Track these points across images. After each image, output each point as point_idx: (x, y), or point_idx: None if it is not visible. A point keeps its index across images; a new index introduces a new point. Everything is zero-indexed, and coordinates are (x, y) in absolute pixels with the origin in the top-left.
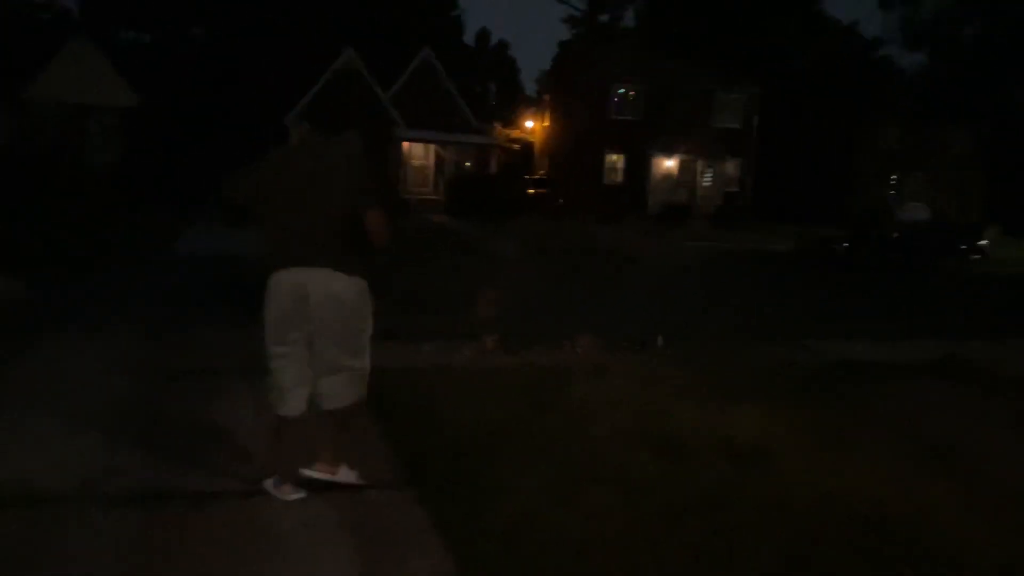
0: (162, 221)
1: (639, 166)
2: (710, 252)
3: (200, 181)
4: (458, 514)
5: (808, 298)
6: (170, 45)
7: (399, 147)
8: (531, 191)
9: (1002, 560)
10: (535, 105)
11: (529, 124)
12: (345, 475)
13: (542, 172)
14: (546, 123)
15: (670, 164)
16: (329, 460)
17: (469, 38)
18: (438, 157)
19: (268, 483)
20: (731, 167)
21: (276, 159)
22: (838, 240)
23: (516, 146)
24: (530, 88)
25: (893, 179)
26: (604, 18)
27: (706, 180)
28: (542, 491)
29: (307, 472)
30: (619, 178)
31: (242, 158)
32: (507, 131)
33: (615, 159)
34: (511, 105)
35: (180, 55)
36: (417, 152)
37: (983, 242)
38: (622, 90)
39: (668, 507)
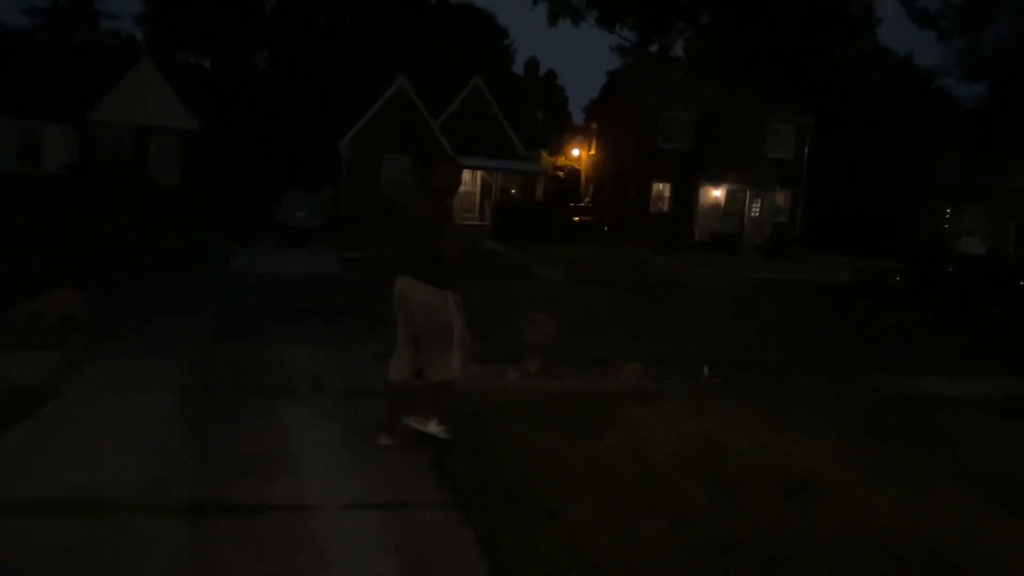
0: (217, 240)
1: (686, 195)
2: (760, 282)
3: (256, 203)
4: (505, 537)
5: (863, 331)
6: (230, 70)
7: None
8: (577, 218)
9: None
10: (582, 133)
11: (576, 152)
12: (434, 428)
13: (588, 200)
14: (592, 151)
15: (718, 193)
16: (424, 415)
17: (519, 67)
18: (484, 183)
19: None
20: (781, 197)
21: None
22: (893, 273)
23: (562, 173)
24: (578, 116)
25: (948, 213)
26: (654, 47)
27: (755, 210)
28: (590, 517)
29: (406, 421)
30: (665, 207)
31: (297, 182)
32: (554, 159)
33: (662, 188)
34: (559, 133)
35: (239, 80)
36: (464, 178)
37: None
38: (670, 118)
39: (718, 538)
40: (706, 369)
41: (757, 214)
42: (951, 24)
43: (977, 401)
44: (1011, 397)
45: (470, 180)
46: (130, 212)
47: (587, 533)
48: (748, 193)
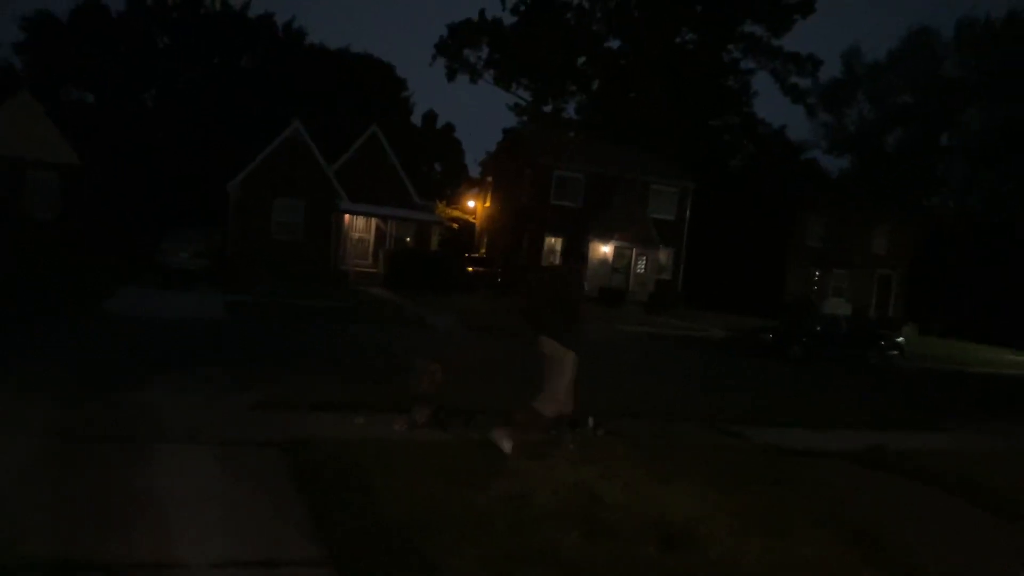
0: (95, 280)
1: (577, 250)
2: (643, 336)
3: (139, 243)
4: None
5: (738, 386)
6: (116, 106)
7: (340, 218)
8: (471, 269)
9: None
10: (478, 186)
11: (471, 204)
12: (506, 446)
13: (482, 251)
14: (487, 204)
15: (606, 250)
16: (505, 437)
17: (417, 119)
18: (379, 230)
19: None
20: (664, 255)
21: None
22: (766, 330)
23: (456, 225)
24: (474, 169)
25: (816, 275)
26: (548, 108)
27: (640, 267)
28: (470, 570)
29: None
30: (557, 260)
31: (181, 222)
32: (449, 210)
33: (553, 242)
34: (455, 185)
35: (126, 117)
36: (359, 224)
37: (900, 339)
38: (562, 177)
39: None
40: (591, 420)
41: (642, 271)
42: (818, 101)
43: (840, 452)
44: (870, 448)
45: (364, 227)
46: (1, 248)
47: None
48: (634, 250)
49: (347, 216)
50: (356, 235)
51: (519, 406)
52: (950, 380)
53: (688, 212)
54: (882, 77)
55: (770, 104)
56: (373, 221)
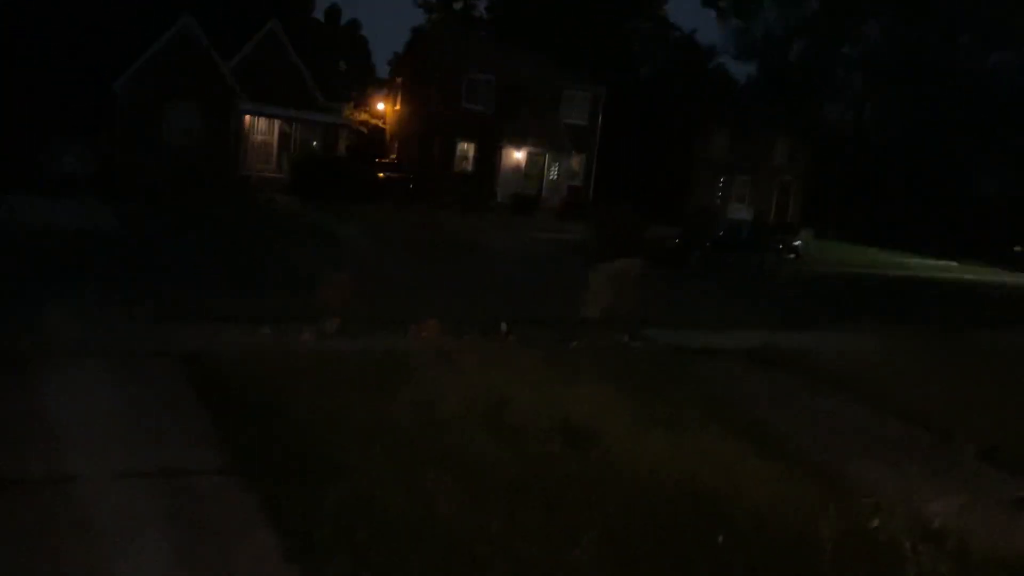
0: None
1: (490, 156)
2: (555, 243)
3: (18, 149)
4: (289, 499)
5: (643, 289)
6: None
7: (240, 120)
8: (381, 175)
9: (795, 527)
10: (387, 88)
11: (380, 107)
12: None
13: (393, 156)
14: (398, 107)
15: (519, 156)
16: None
17: (319, 14)
18: (282, 134)
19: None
20: (576, 162)
21: None
22: (671, 238)
23: (365, 129)
24: (382, 70)
25: (721, 182)
26: (458, 5)
27: (553, 173)
28: (379, 473)
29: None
30: (470, 167)
31: (65, 125)
32: (357, 113)
33: (466, 148)
34: (362, 87)
35: None
36: (260, 127)
37: (797, 243)
38: (474, 80)
39: (502, 486)
40: (503, 326)
41: (555, 177)
42: (729, 5)
43: (735, 350)
44: (766, 347)
45: (266, 130)
46: None
47: (376, 490)
48: (547, 157)
49: (247, 118)
50: (258, 139)
51: (424, 314)
52: (841, 281)
53: (600, 119)
54: None
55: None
56: (276, 124)
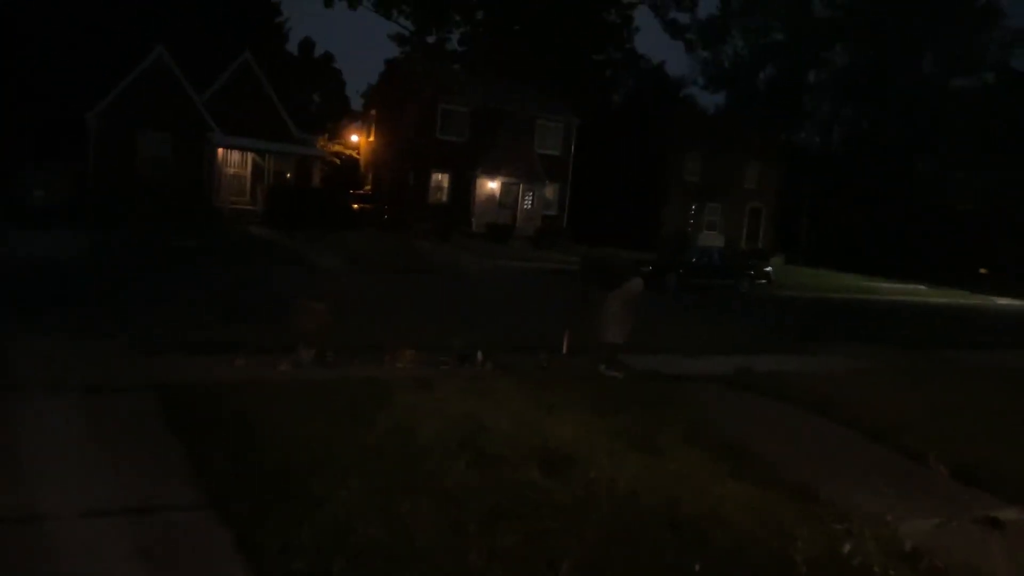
0: None
1: (464, 186)
2: (530, 271)
3: None
4: (266, 533)
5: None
6: None
7: (213, 152)
8: (356, 205)
9: (774, 551)
10: (361, 119)
11: (354, 138)
12: (608, 371)
13: (367, 187)
14: (372, 138)
15: (493, 185)
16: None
17: (293, 47)
18: (256, 166)
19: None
20: (551, 191)
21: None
22: (644, 264)
23: (339, 160)
24: (356, 102)
25: (693, 209)
26: (432, 38)
27: (527, 202)
28: (357, 503)
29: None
30: (444, 197)
31: (37, 156)
32: (331, 144)
33: (440, 178)
34: (336, 118)
35: None
36: (233, 159)
37: (768, 268)
38: (449, 111)
39: (481, 514)
40: (479, 354)
41: (529, 206)
42: (696, 37)
43: (711, 376)
44: (739, 371)
45: (239, 162)
46: None
47: (353, 519)
48: (521, 186)
49: (220, 150)
50: (231, 171)
51: (401, 342)
52: (812, 306)
53: (573, 148)
54: (755, 14)
55: (651, 40)
56: (249, 156)
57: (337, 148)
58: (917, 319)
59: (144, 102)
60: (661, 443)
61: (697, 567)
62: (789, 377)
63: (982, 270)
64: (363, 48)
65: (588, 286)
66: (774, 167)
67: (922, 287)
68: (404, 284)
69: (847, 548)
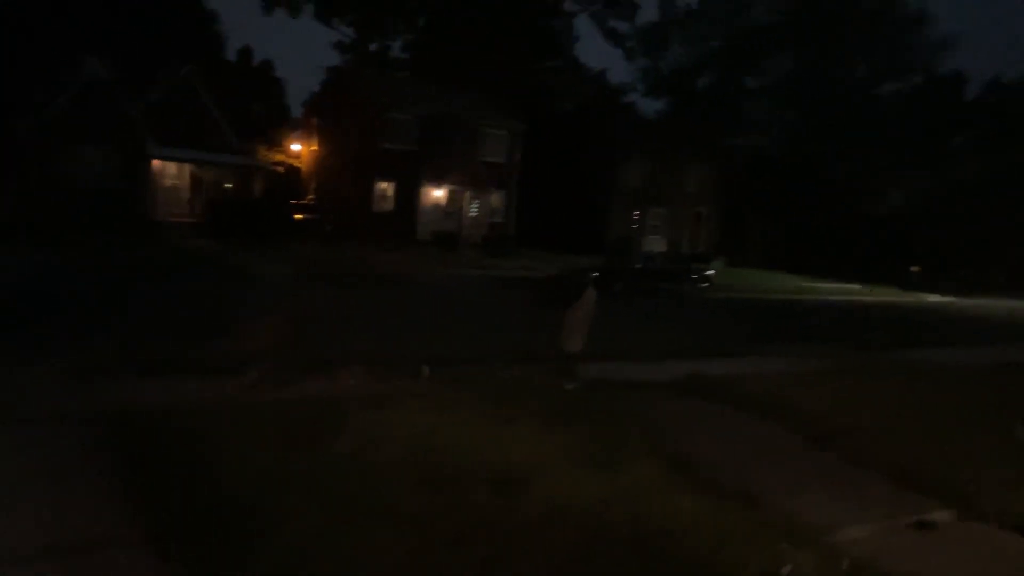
0: None
1: (409, 194)
2: (478, 279)
3: None
4: (211, 568)
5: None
6: None
7: (150, 164)
8: (299, 216)
9: (730, 561)
10: (302, 128)
11: (296, 147)
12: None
13: (310, 197)
14: (314, 147)
15: (439, 194)
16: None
17: (231, 55)
18: (194, 177)
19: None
20: (496, 198)
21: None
22: (592, 268)
23: (281, 169)
24: (296, 111)
25: (637, 214)
26: (373, 46)
27: (473, 210)
28: (311, 532)
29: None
30: (389, 206)
31: None
32: (272, 154)
33: (385, 187)
34: (277, 127)
35: None
36: (170, 171)
37: (710, 271)
38: (393, 119)
39: (438, 539)
40: (425, 370)
41: (475, 214)
42: (636, 45)
43: (661, 383)
44: (690, 376)
45: (177, 174)
46: None
47: (309, 548)
48: (467, 194)
49: (156, 162)
50: (168, 183)
51: (355, 356)
52: (752, 308)
53: (519, 154)
54: (695, 22)
55: (592, 48)
56: (187, 167)
57: (279, 157)
58: (850, 318)
59: (77, 114)
60: (613, 456)
61: None
62: (736, 382)
63: (914, 268)
64: (303, 56)
65: (567, 299)
66: (717, 171)
67: (857, 286)
68: (350, 294)
69: (787, 565)
